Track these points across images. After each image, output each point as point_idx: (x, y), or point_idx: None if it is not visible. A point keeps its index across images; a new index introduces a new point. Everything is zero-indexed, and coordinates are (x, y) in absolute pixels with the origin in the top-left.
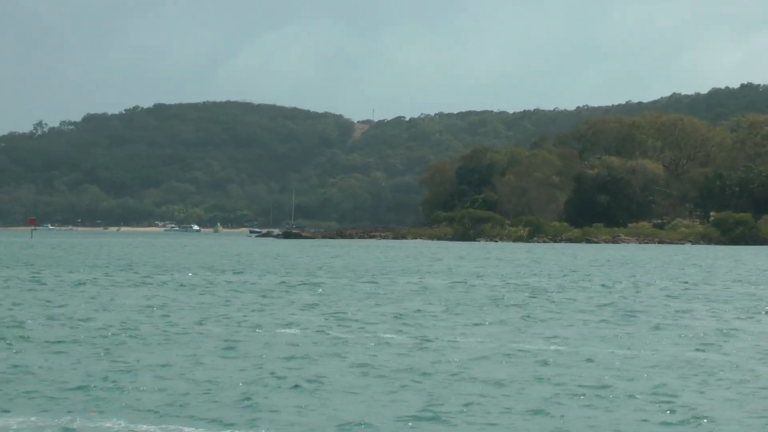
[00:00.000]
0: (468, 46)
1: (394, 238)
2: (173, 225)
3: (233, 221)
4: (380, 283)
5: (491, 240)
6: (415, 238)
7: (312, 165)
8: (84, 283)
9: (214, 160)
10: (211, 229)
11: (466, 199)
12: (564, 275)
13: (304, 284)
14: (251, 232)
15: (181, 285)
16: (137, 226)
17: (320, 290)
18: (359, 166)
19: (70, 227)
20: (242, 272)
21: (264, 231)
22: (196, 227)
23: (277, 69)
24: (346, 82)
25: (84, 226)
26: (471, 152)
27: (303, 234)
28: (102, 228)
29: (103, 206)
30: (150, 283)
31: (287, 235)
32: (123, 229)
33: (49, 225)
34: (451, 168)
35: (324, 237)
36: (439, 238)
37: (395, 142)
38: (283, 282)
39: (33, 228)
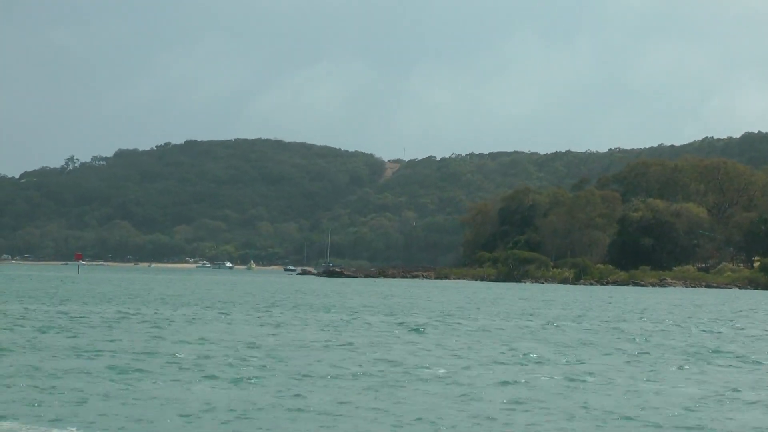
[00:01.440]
0: (498, 86)
1: (437, 278)
2: (204, 262)
3: (264, 259)
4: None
5: (536, 281)
6: (458, 278)
7: (343, 204)
8: (281, 325)
9: (245, 198)
10: (243, 267)
11: (508, 240)
12: (663, 320)
13: (459, 324)
14: (286, 269)
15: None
16: (168, 262)
17: (488, 332)
18: (390, 206)
19: (101, 262)
20: (392, 314)
21: (299, 269)
22: (228, 264)
23: (307, 106)
24: (376, 120)
25: (114, 261)
26: (513, 193)
27: (345, 272)
28: (132, 264)
29: (134, 242)
30: (322, 323)
31: (329, 274)
32: (154, 265)
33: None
34: (492, 208)
35: (366, 276)
36: (482, 279)
37: (426, 181)
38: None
39: (79, 263)
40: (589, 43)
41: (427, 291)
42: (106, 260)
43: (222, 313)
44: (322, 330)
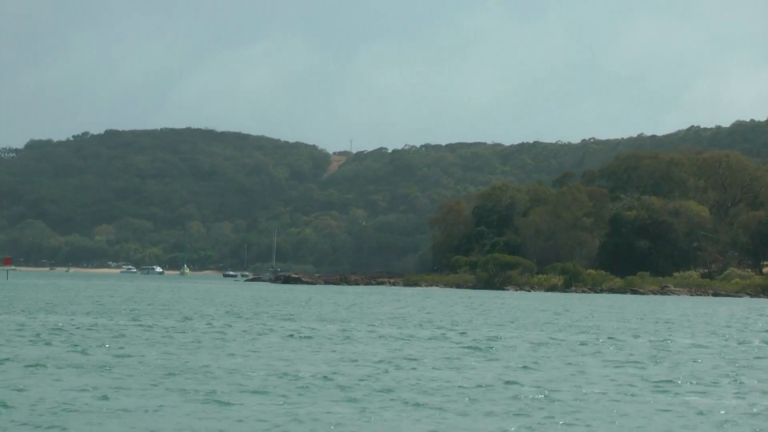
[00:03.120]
0: (457, 70)
1: (405, 285)
2: (130, 266)
3: (196, 263)
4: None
5: (520, 288)
6: (430, 285)
7: (283, 201)
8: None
9: (173, 194)
10: (174, 272)
11: (484, 242)
12: (713, 332)
13: (514, 339)
14: (225, 275)
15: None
16: (88, 266)
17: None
18: (337, 204)
19: (12, 267)
20: (422, 327)
21: (239, 274)
22: (158, 269)
23: (242, 92)
24: (319, 108)
25: (27, 265)
26: (489, 189)
27: (303, 279)
28: (48, 268)
29: (49, 244)
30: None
31: (284, 280)
32: (73, 269)
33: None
34: (466, 207)
35: (327, 282)
36: (458, 286)
37: (377, 176)
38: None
39: (8, 268)
40: (561, 19)
41: (419, 301)
42: (17, 264)
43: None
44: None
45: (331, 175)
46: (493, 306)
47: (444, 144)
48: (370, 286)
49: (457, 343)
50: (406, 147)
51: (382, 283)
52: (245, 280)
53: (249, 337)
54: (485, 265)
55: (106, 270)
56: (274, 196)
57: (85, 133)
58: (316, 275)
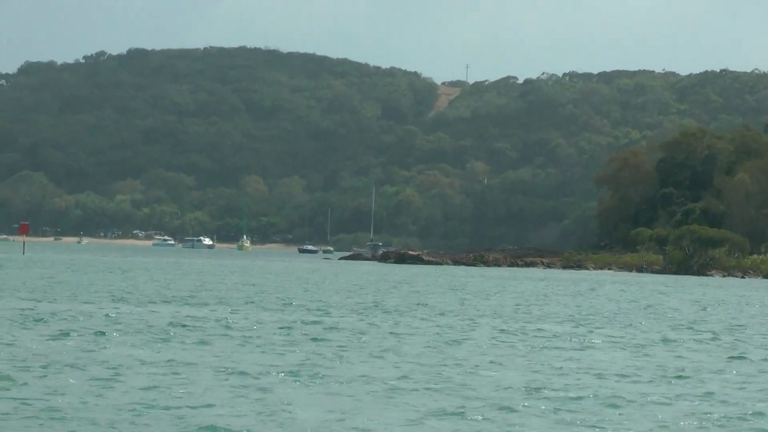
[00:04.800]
0: None
1: (565, 267)
2: (166, 237)
3: (256, 232)
4: None
5: (729, 274)
6: (600, 269)
7: (373, 149)
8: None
9: (223, 139)
10: (229, 245)
11: (673, 209)
12: None
13: None
14: (302, 251)
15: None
16: (106, 236)
17: None
18: (448, 153)
19: (4, 236)
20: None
21: (320, 249)
22: (207, 240)
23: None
24: (423, 22)
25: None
26: (679, 136)
27: (424, 257)
28: (52, 238)
29: (53, 205)
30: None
31: (397, 259)
32: (86, 240)
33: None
34: (646, 160)
35: (456, 263)
36: (639, 269)
37: (503, 116)
38: None
39: (24, 239)
40: None
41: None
42: (9, 232)
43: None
44: None
45: (440, 113)
46: (732, 299)
47: (595, 72)
48: (516, 269)
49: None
50: (543, 76)
51: (532, 264)
52: (340, 258)
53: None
54: (678, 241)
55: (132, 241)
56: (362, 143)
57: (101, 54)
58: (441, 253)
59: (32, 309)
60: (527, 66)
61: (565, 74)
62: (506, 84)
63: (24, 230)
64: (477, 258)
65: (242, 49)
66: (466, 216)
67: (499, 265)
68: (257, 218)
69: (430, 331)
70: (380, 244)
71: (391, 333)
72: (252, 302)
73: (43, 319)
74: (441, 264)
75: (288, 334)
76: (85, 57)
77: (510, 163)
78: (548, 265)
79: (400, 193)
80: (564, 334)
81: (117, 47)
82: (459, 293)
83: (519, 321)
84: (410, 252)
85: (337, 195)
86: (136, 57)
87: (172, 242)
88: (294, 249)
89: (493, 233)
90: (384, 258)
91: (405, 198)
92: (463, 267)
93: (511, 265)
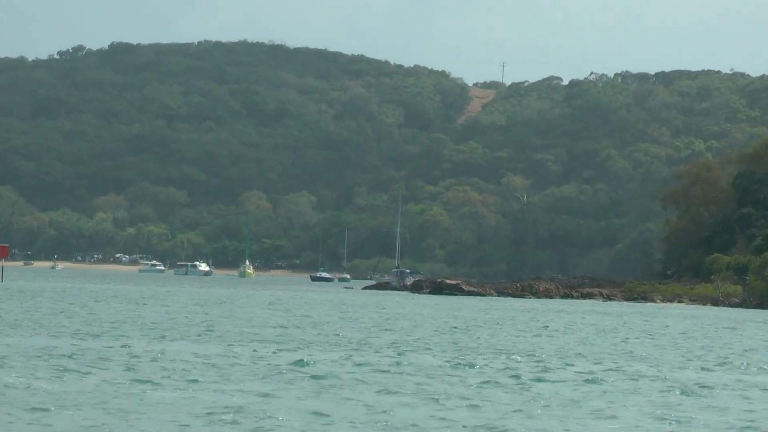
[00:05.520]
0: None
1: (626, 300)
2: (154, 262)
3: (258, 257)
4: None
5: None
6: (669, 301)
7: (394, 161)
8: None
9: (220, 148)
10: (228, 272)
11: (753, 233)
12: None
13: None
14: (315, 278)
15: None
16: (84, 260)
17: None
18: (482, 166)
19: None
20: None
21: (335, 277)
22: (203, 266)
23: None
24: (452, 15)
25: None
26: (759, 148)
27: (464, 288)
28: (21, 263)
29: (24, 224)
30: None
31: (434, 289)
32: (61, 265)
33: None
34: (721, 176)
35: (501, 293)
36: (715, 303)
37: (545, 122)
38: None
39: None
40: None
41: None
42: None
43: None
44: None
45: (472, 119)
46: None
47: (652, 72)
48: (571, 300)
49: None
50: (592, 76)
51: (589, 296)
52: (364, 288)
53: None
54: (761, 270)
55: (114, 266)
56: (381, 153)
57: (79, 49)
58: (485, 284)
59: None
60: (573, 65)
61: (617, 74)
62: (548, 85)
63: (3, 253)
64: (525, 288)
65: (242, 44)
66: (502, 239)
67: (551, 297)
68: (259, 240)
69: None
70: (408, 270)
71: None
72: (428, 348)
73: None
74: (484, 295)
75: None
76: (60, 52)
77: (553, 178)
78: (608, 297)
79: (425, 212)
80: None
81: (97, 41)
82: (572, 333)
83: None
84: (447, 281)
85: (353, 214)
86: (120, 52)
87: (162, 267)
88: (303, 276)
89: (533, 260)
90: (416, 288)
91: (431, 218)
92: (510, 298)
93: (565, 296)
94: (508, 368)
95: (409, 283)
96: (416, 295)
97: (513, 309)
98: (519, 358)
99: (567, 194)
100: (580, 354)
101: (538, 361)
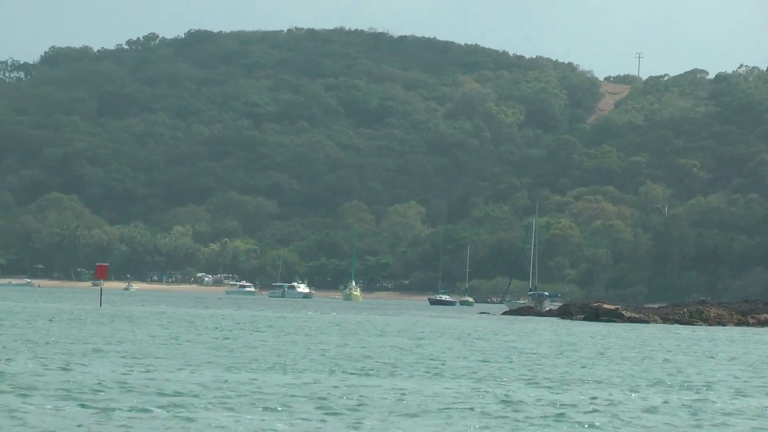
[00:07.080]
0: None
1: None
2: (243, 282)
3: (362, 276)
4: None
5: None
6: None
7: (515, 166)
8: None
9: (315, 152)
10: (330, 294)
11: None
12: None
13: None
14: (434, 302)
15: None
16: (161, 281)
17: None
18: (616, 173)
19: (28, 281)
20: None
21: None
22: (302, 287)
23: None
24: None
25: (46, 276)
26: None
27: (625, 314)
28: (89, 283)
29: (91, 238)
30: None
31: (588, 315)
32: (136, 285)
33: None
34: None
35: (666, 320)
36: None
37: (689, 122)
38: None
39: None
40: None
41: None
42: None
43: None
44: None
45: (604, 119)
46: None
47: None
48: (746, 328)
49: None
50: (742, 70)
51: (765, 323)
52: (504, 313)
53: None
54: None
55: (195, 287)
56: (499, 158)
57: (151, 37)
58: (644, 309)
59: None
60: (720, 57)
61: None
62: (692, 80)
63: (102, 274)
64: (693, 314)
65: (339, 32)
66: (642, 257)
67: (723, 324)
68: (362, 258)
69: None
70: (546, 293)
71: None
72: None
73: None
74: (647, 322)
75: None
76: (129, 42)
77: (699, 187)
78: None
79: (552, 225)
80: None
81: (172, 29)
82: None
83: None
84: (605, 306)
85: (469, 228)
86: (198, 41)
87: (252, 289)
88: (416, 299)
89: (678, 281)
90: (565, 313)
91: (559, 232)
92: (677, 325)
93: (739, 323)
94: None
95: (547, 308)
96: (572, 322)
97: (714, 339)
98: None
99: (715, 205)
100: None
101: None
